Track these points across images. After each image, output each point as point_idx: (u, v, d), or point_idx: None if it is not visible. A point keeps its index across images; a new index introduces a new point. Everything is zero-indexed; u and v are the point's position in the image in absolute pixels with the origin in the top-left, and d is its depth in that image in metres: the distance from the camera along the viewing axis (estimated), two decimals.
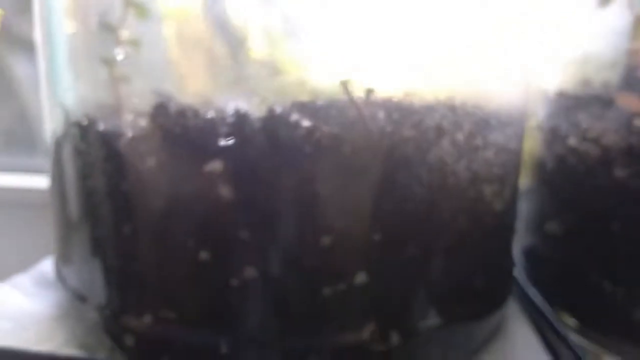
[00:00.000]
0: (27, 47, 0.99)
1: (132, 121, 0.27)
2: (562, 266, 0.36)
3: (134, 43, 0.30)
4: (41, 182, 0.80)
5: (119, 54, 0.31)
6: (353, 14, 0.27)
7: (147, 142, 0.27)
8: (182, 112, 0.26)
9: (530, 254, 0.39)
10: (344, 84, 0.26)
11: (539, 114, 0.39)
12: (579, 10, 0.41)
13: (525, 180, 0.38)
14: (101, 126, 0.28)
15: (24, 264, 0.40)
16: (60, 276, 0.34)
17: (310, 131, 0.26)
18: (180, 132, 0.27)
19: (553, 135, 0.36)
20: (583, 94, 0.38)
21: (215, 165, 0.26)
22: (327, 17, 0.27)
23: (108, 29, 0.31)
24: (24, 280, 0.37)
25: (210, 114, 0.27)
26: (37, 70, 0.33)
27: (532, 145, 0.39)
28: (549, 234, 0.37)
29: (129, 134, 0.27)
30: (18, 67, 0.97)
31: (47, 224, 0.35)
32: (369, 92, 0.27)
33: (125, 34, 0.30)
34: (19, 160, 0.90)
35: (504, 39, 0.31)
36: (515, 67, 0.32)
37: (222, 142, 0.26)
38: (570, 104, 0.38)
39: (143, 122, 0.27)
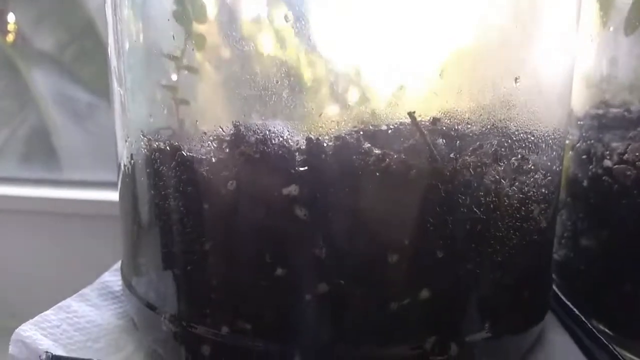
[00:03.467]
0: (45, 60, 1.00)
1: (214, 147, 0.29)
2: (597, 278, 0.38)
3: (194, 70, 0.32)
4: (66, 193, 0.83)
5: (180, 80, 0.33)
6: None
7: (228, 167, 0.29)
8: (262, 140, 0.29)
9: (565, 267, 0.41)
10: (411, 115, 0.28)
11: (571, 132, 0.42)
12: (602, 33, 0.43)
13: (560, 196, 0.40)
14: (184, 152, 0.30)
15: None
16: (130, 287, 0.36)
17: (380, 158, 0.28)
18: (260, 158, 0.29)
19: (587, 156, 0.38)
20: (611, 115, 0.40)
21: (292, 189, 0.28)
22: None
23: (171, 58, 0.33)
24: (90, 293, 0.39)
25: (286, 141, 0.29)
26: (112, 99, 0.35)
27: (566, 163, 0.41)
28: (583, 247, 0.39)
29: (212, 159, 0.29)
30: (37, 80, 0.99)
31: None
32: (435, 121, 0.29)
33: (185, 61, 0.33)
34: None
35: (551, 60, 0.33)
36: (561, 90, 0.35)
37: (298, 168, 0.28)
38: (599, 124, 0.40)
39: (223, 148, 0.29)
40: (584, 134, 0.40)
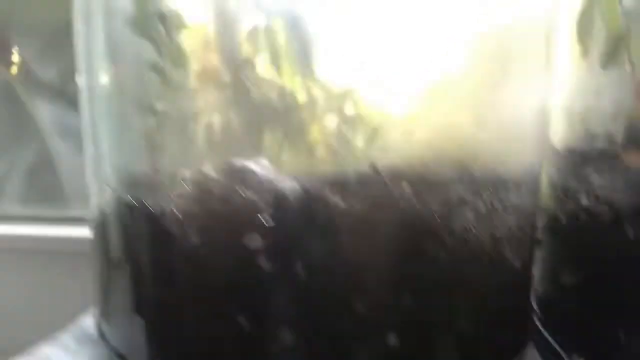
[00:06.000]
0: (48, 91, 1.02)
1: (178, 201, 0.30)
2: (577, 314, 0.38)
3: (168, 116, 0.33)
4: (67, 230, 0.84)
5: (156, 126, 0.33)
6: None
7: (192, 221, 0.29)
8: (227, 195, 0.29)
9: (546, 302, 0.41)
10: (373, 167, 0.29)
11: (548, 169, 0.41)
12: (582, 64, 0.43)
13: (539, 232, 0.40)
14: (148, 207, 0.30)
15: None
16: (101, 335, 0.36)
17: (345, 212, 0.28)
18: (223, 211, 0.29)
19: (564, 193, 0.38)
20: (590, 149, 0.40)
21: (256, 240, 0.29)
22: None
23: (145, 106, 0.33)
24: (66, 337, 0.39)
25: (251, 194, 0.29)
26: (84, 148, 0.35)
27: (545, 199, 0.41)
28: (563, 284, 0.39)
29: (179, 215, 0.29)
30: (41, 110, 1.00)
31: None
32: (400, 172, 0.29)
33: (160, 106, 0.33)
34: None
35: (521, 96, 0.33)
36: (533, 130, 0.35)
37: (262, 221, 0.29)
38: (578, 159, 0.40)
39: (188, 202, 0.30)
40: (561, 171, 0.40)
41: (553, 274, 0.40)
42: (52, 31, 1.02)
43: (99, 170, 0.35)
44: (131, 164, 0.34)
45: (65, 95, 1.03)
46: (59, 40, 1.02)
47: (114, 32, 0.35)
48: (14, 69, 1.06)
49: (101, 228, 0.34)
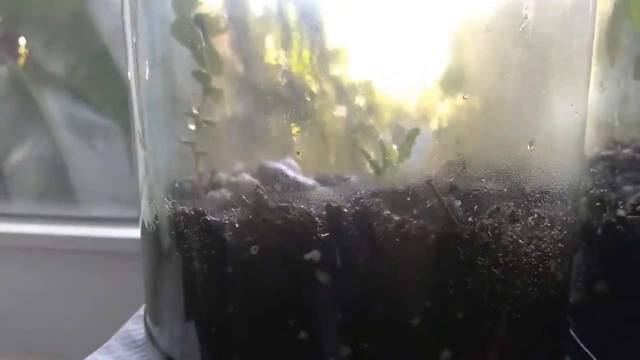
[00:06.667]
0: (57, 83, 1.02)
1: (237, 213, 0.30)
2: (611, 323, 0.39)
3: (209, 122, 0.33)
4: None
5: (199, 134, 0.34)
6: None
7: (251, 233, 0.30)
8: (284, 207, 0.29)
9: (580, 310, 0.42)
10: (430, 184, 0.29)
11: (583, 178, 0.42)
12: (611, 72, 0.44)
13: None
14: (208, 217, 0.30)
15: None
16: (152, 339, 0.37)
17: (399, 224, 0.29)
18: (282, 224, 0.29)
19: (601, 203, 0.39)
20: (619, 156, 0.41)
21: (314, 255, 0.29)
22: None
23: (191, 115, 0.34)
24: (114, 344, 0.40)
25: (308, 207, 0.29)
26: (135, 161, 0.36)
27: (580, 208, 0.41)
28: (598, 293, 0.39)
29: (235, 225, 0.30)
30: (50, 104, 1.00)
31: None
32: (453, 188, 0.29)
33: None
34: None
35: (565, 119, 0.34)
36: (575, 145, 0.35)
37: (319, 234, 0.29)
38: (610, 166, 0.41)
39: (246, 213, 0.30)
40: (596, 181, 0.40)
41: (588, 282, 0.40)
42: (59, 23, 1.01)
43: (150, 178, 0.35)
44: (179, 170, 0.35)
45: (74, 89, 1.03)
46: (66, 32, 1.01)
47: (158, 39, 0.35)
48: (21, 61, 1.06)
49: (155, 235, 0.35)
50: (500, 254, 0.30)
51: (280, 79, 0.31)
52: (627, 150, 0.41)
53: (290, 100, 0.31)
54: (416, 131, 0.30)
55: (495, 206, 0.30)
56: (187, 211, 0.31)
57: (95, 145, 1.00)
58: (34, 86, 1.05)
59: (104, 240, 0.81)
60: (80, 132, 1.02)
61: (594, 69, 0.44)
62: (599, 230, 0.39)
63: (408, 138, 0.30)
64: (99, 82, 1.01)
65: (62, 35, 1.03)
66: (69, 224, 0.87)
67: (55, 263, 0.84)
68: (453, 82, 0.29)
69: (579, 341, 0.41)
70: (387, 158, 0.31)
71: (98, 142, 0.99)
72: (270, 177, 0.31)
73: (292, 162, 0.32)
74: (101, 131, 1.00)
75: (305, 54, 0.31)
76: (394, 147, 0.31)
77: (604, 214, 0.39)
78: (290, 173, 0.32)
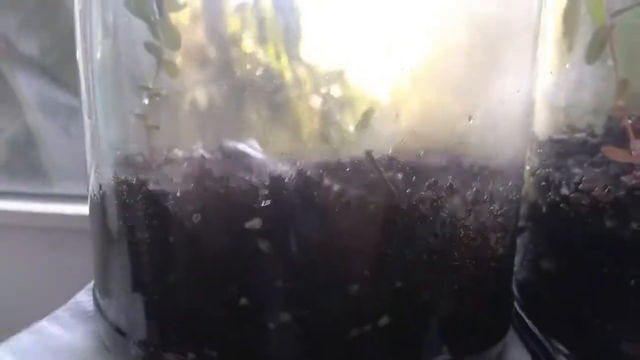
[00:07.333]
0: (31, 64, 1.01)
1: (180, 182, 0.30)
2: (556, 300, 0.40)
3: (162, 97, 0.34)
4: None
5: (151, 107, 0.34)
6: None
7: (193, 202, 0.30)
8: (226, 176, 0.30)
9: (526, 288, 0.43)
10: (369, 154, 0.30)
11: (531, 158, 0.43)
12: (566, 57, 0.44)
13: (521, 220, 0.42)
14: (150, 186, 0.31)
15: None
16: (100, 310, 0.37)
17: (339, 194, 0.29)
18: (224, 193, 0.30)
19: (547, 182, 0.40)
20: (572, 140, 0.42)
21: (255, 223, 0.30)
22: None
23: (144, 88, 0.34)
24: (63, 314, 0.40)
25: (249, 177, 0.30)
26: (83, 129, 0.36)
27: (527, 188, 0.42)
28: (543, 271, 0.40)
29: (177, 194, 0.30)
30: (23, 85, 0.99)
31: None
32: (391, 159, 0.30)
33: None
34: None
35: (508, 96, 0.35)
36: (519, 122, 0.36)
37: (261, 203, 0.30)
38: (559, 149, 0.42)
39: (188, 182, 0.30)
40: (543, 161, 0.41)
41: (534, 260, 0.41)
42: (33, 4, 1.00)
43: (97, 148, 0.35)
44: (127, 142, 0.35)
45: (47, 70, 1.02)
46: (40, 13, 1.00)
47: (110, 9, 0.35)
48: None
49: (100, 205, 0.35)
50: (439, 226, 0.31)
51: (241, 59, 0.32)
52: (580, 134, 0.42)
53: (252, 81, 0.31)
54: (372, 111, 0.31)
55: (433, 179, 0.31)
56: (129, 179, 0.32)
57: (68, 126, 0.99)
58: (7, 67, 1.04)
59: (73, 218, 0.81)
60: (51, 112, 1.01)
61: (551, 54, 0.45)
62: (544, 209, 0.40)
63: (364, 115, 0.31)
64: (73, 63, 1.00)
65: (36, 15, 1.02)
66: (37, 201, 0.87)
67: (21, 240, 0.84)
68: (392, 57, 0.30)
69: (526, 319, 0.42)
70: (333, 130, 0.31)
71: (71, 123, 0.99)
72: (229, 156, 0.32)
73: (255, 143, 0.32)
74: (75, 112, 0.99)
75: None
76: (337, 117, 0.31)
77: (549, 193, 0.40)
78: (251, 152, 0.32)
